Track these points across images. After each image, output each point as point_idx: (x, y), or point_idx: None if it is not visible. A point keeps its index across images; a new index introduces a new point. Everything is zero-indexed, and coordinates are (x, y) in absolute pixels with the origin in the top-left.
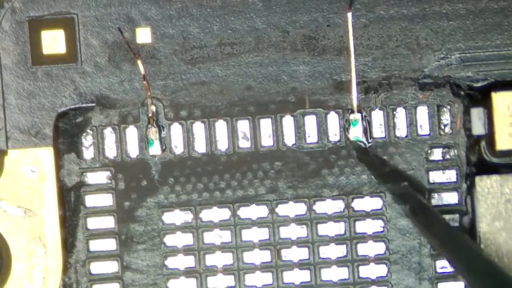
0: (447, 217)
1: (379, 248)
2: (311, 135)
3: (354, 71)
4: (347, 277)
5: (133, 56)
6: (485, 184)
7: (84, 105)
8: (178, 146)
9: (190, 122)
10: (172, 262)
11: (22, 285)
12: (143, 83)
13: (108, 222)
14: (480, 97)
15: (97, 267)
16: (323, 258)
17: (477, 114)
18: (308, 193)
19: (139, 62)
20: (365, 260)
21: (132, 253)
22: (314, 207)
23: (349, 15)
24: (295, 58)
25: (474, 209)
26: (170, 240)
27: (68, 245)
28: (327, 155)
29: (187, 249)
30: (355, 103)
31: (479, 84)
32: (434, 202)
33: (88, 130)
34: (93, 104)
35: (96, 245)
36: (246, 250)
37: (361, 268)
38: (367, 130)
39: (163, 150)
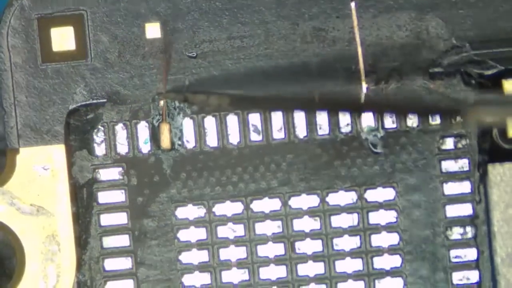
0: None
1: (392, 238)
2: (323, 127)
3: (362, 58)
4: (361, 268)
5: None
6: (498, 172)
7: (95, 101)
8: (189, 140)
9: (201, 116)
10: (186, 257)
11: (36, 283)
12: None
13: (121, 218)
14: (491, 85)
15: (111, 264)
16: (337, 250)
17: None
18: (320, 185)
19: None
20: (379, 251)
21: (146, 249)
22: (327, 199)
23: (352, 4)
24: (305, 50)
25: (488, 197)
26: (184, 235)
27: (81, 242)
28: (339, 146)
29: (200, 244)
30: (363, 92)
31: (489, 72)
32: (447, 191)
33: (100, 127)
34: (104, 100)
35: (109, 241)
36: (260, 243)
37: (375, 259)
38: (379, 119)
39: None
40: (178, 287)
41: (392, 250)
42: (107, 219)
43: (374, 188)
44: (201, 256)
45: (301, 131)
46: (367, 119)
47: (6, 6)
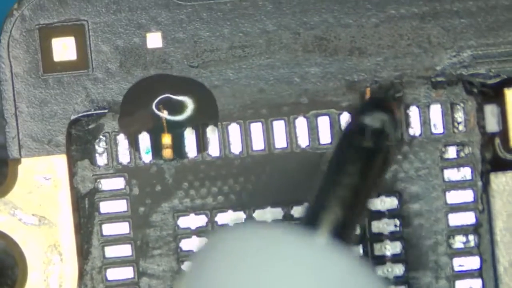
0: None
1: (395, 247)
2: (325, 136)
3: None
4: None
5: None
6: (501, 181)
7: (96, 111)
8: (191, 150)
9: (203, 126)
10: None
11: None
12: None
13: (123, 228)
14: (493, 94)
15: (113, 274)
16: None
17: (490, 111)
18: None
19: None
20: (382, 260)
21: (148, 259)
22: None
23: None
24: (306, 59)
25: (490, 206)
26: (186, 244)
27: (83, 252)
28: None
29: None
30: None
31: (492, 81)
32: (449, 200)
33: (101, 136)
34: (106, 111)
35: (111, 251)
36: None
37: (378, 268)
38: None
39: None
40: None
41: (394, 259)
42: (109, 229)
43: (376, 197)
44: None
45: (303, 140)
46: None
47: (6, 16)
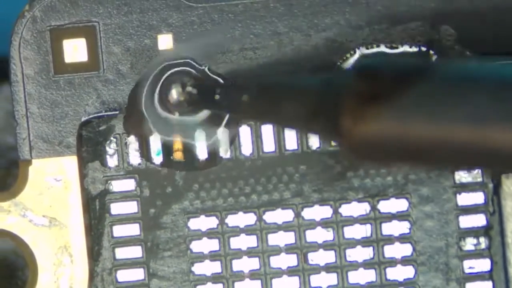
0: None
1: (406, 249)
2: None
3: None
4: (374, 280)
5: None
6: None
7: (107, 113)
8: (202, 152)
9: (213, 127)
10: (199, 268)
11: None
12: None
13: (133, 229)
14: None
15: (123, 275)
16: (350, 261)
17: None
18: (333, 196)
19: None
20: (392, 262)
21: (159, 260)
22: (340, 210)
23: None
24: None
25: (501, 208)
26: (196, 246)
27: (94, 254)
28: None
29: (213, 255)
30: None
31: None
32: (460, 202)
33: (112, 138)
34: (117, 112)
35: (122, 252)
36: (273, 254)
37: (388, 270)
38: None
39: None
40: None
41: (405, 261)
42: (119, 231)
43: (387, 199)
44: (214, 267)
45: (314, 142)
46: None
47: (18, 17)
